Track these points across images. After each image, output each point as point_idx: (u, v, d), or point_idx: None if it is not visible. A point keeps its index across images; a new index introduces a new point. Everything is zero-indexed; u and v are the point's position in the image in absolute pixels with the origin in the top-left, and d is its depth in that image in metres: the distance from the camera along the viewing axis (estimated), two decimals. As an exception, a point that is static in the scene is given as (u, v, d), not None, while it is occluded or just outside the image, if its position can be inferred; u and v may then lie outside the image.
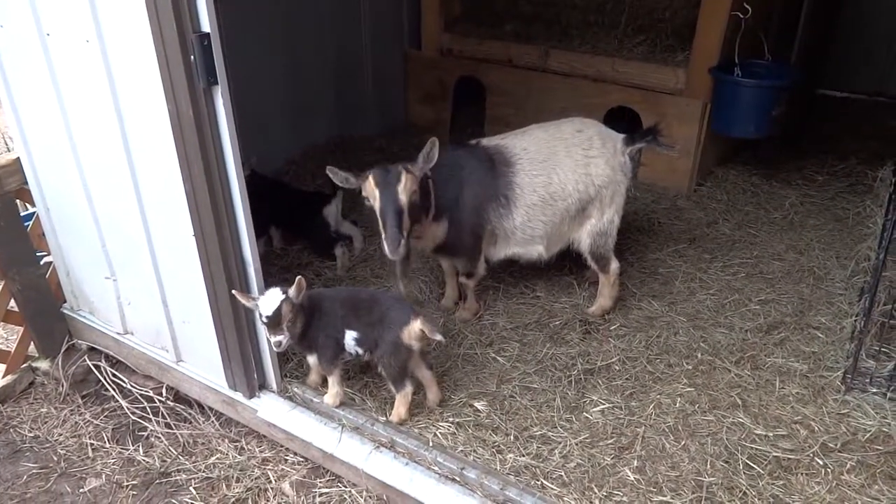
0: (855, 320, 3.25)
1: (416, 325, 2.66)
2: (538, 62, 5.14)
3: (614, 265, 3.48)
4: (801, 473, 2.61)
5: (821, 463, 2.65)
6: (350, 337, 2.74)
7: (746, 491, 2.54)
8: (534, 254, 3.41)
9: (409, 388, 2.78)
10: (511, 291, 3.73)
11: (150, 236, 2.79)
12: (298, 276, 2.59)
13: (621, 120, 4.87)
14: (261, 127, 4.62)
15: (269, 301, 2.54)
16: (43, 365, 3.36)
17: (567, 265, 3.92)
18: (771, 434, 2.78)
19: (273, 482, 2.78)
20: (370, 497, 2.68)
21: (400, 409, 2.80)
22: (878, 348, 3.10)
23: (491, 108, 5.42)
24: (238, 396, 2.95)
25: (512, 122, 5.15)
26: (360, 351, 2.76)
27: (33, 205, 3.20)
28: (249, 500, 2.71)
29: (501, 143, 3.31)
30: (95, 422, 3.13)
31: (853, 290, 3.62)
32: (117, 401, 3.21)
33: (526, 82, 5.19)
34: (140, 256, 2.85)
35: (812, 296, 3.66)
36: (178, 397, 3.20)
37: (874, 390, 2.95)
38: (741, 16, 4.17)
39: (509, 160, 3.23)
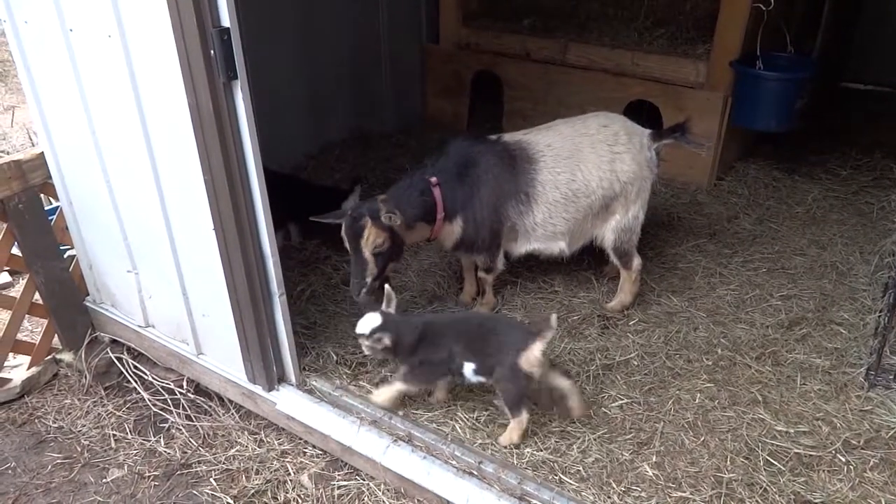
0: (878, 316, 3.21)
1: (536, 352, 2.56)
2: (556, 56, 5.11)
3: (637, 261, 3.45)
4: (823, 470, 2.58)
5: (843, 460, 2.62)
6: (469, 369, 2.67)
7: (767, 488, 2.51)
8: (555, 249, 3.38)
9: (525, 416, 2.65)
10: (529, 286, 3.72)
11: (171, 230, 2.82)
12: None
13: (640, 114, 4.84)
14: (279, 122, 4.64)
15: (365, 323, 2.69)
16: (66, 357, 3.41)
17: (586, 260, 3.90)
18: (792, 430, 2.75)
19: (292, 474, 2.81)
20: (388, 490, 2.69)
21: (513, 434, 2.68)
22: (902, 345, 3.06)
23: (509, 102, 5.41)
24: (257, 389, 2.98)
25: (530, 116, 5.14)
26: (483, 379, 2.69)
27: (57, 199, 3.24)
28: (269, 492, 2.74)
29: (524, 139, 3.26)
30: (118, 413, 3.17)
31: (877, 286, 3.57)
32: (139, 393, 3.25)
33: (544, 76, 5.16)
34: (161, 250, 2.88)
35: (834, 291, 3.62)
36: (199, 390, 3.23)
37: (898, 387, 2.91)
38: (763, 7, 4.11)
39: (532, 157, 3.18)
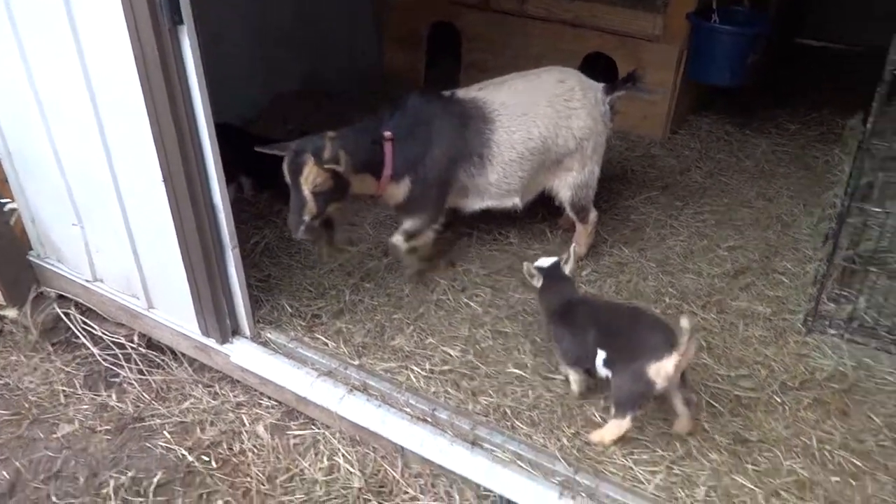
0: (818, 265, 3.33)
1: (670, 365, 2.32)
2: (515, 6, 5.05)
3: (593, 215, 3.49)
4: (761, 411, 2.71)
5: (779, 401, 2.74)
6: (600, 358, 2.52)
7: (708, 429, 2.62)
8: (509, 205, 3.34)
9: (627, 422, 2.45)
10: (485, 238, 3.75)
11: (118, 182, 2.74)
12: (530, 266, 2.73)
13: (595, 68, 4.84)
14: (227, 72, 4.48)
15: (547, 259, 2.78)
16: (10, 313, 3.32)
17: (540, 213, 3.94)
18: (733, 374, 2.87)
19: (247, 425, 2.82)
20: (343, 438, 2.73)
21: (606, 433, 2.51)
22: (838, 292, 3.18)
23: (467, 54, 5.34)
24: (211, 342, 2.96)
25: (488, 68, 5.08)
26: (608, 373, 2.51)
27: (-5, 150, 3.12)
28: (224, 444, 2.75)
29: (479, 97, 3.15)
30: (66, 369, 3.13)
31: (818, 237, 3.70)
32: (88, 348, 3.20)
33: (502, 27, 5.10)
34: (107, 203, 2.81)
35: (778, 242, 3.74)
36: (151, 344, 3.20)
37: (833, 332, 3.04)
38: (720, -40, 4.13)
39: (488, 116, 3.10)
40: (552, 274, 2.75)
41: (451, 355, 2.95)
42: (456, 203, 3.31)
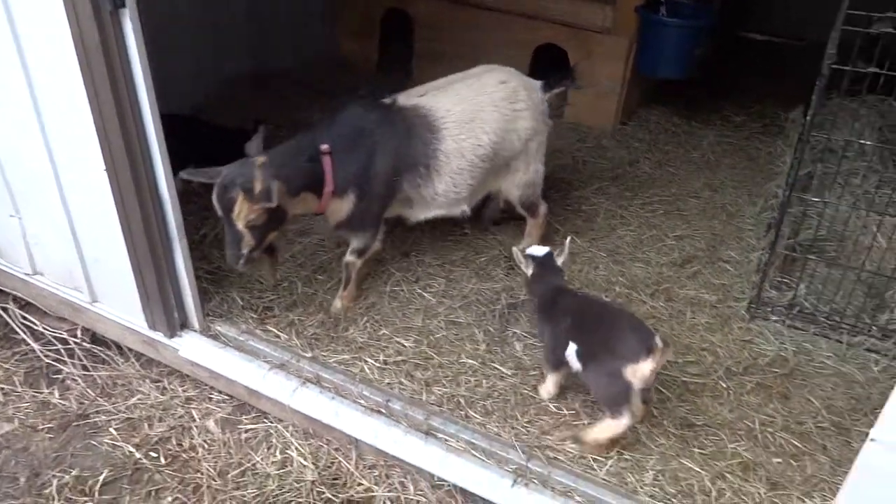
0: (761, 254, 3.44)
1: (647, 367, 2.32)
2: (468, -4, 5.04)
3: (543, 208, 3.50)
4: (707, 396, 2.79)
5: (724, 386, 2.83)
6: (572, 349, 2.49)
7: (656, 414, 2.69)
8: (456, 213, 3.23)
9: (625, 420, 2.40)
10: (439, 228, 3.74)
11: (57, 171, 2.64)
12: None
13: (548, 58, 4.88)
14: (173, 57, 4.35)
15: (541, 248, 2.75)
16: (-56, 308, 3.19)
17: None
18: (680, 360, 2.94)
19: (197, 420, 2.77)
20: (296, 431, 2.70)
21: (598, 432, 2.46)
22: (780, 279, 3.30)
23: (419, 42, 5.31)
24: (158, 336, 2.89)
25: (441, 58, 5.07)
26: (580, 367, 2.49)
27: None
28: (173, 439, 2.70)
29: (422, 104, 2.99)
30: (5, 366, 3.01)
31: (761, 226, 3.81)
32: (28, 344, 3.09)
33: (455, 17, 5.08)
34: (47, 192, 2.70)
35: (724, 231, 3.84)
36: (95, 339, 3.11)
37: (775, 318, 3.15)
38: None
39: (433, 125, 2.94)
40: (545, 264, 2.72)
41: (404, 346, 2.94)
42: (400, 213, 3.18)
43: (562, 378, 2.70)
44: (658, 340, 2.33)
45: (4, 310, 3.17)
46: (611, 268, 3.51)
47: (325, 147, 2.76)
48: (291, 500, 2.46)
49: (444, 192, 3.05)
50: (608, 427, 2.44)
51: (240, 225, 2.60)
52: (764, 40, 6.86)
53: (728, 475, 2.47)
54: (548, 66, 4.98)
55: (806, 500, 2.39)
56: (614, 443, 2.50)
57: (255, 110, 4.65)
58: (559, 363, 2.61)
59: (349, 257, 3.08)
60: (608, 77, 4.68)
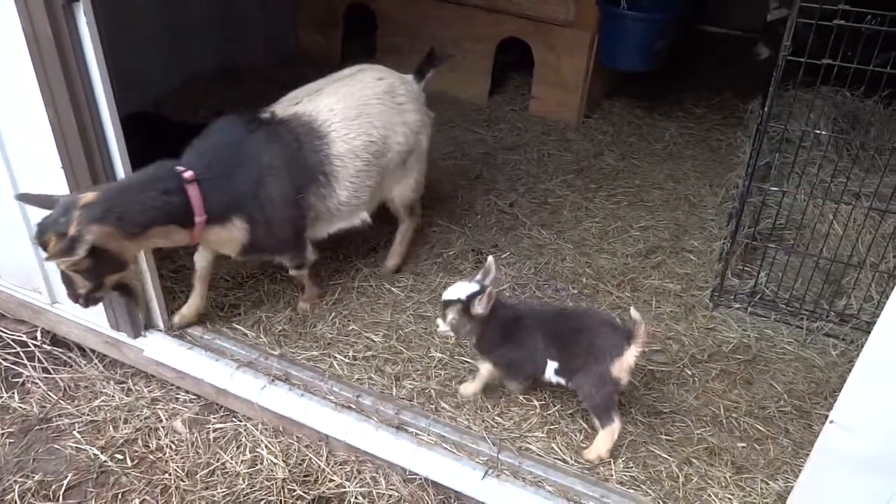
0: (722, 243, 3.50)
1: (631, 357, 2.36)
2: (430, -11, 5.02)
3: (418, 206, 3.40)
4: (673, 383, 2.84)
5: (689, 373, 2.88)
6: (551, 368, 2.47)
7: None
8: (358, 222, 3.02)
9: (617, 423, 2.43)
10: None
11: (12, 170, 2.58)
12: (489, 290, 2.39)
13: (513, 52, 4.90)
14: (134, 53, 4.27)
15: (459, 289, 2.45)
16: None
17: (459, 197, 3.97)
18: (647, 350, 2.98)
19: (164, 421, 2.73)
20: (266, 429, 2.68)
21: (601, 445, 2.46)
22: (741, 268, 3.37)
23: (382, 37, 5.28)
24: (122, 336, 2.84)
25: (404, 51, 5.05)
26: (562, 381, 2.49)
27: None
28: (139, 441, 2.65)
29: (302, 111, 2.76)
30: (-37, 370, 2.93)
31: (723, 216, 3.89)
32: (-14, 347, 3.01)
33: (417, 10, 5.05)
34: (1, 192, 2.63)
35: (687, 221, 3.91)
36: (56, 340, 3.03)
37: (737, 306, 3.22)
38: (627, -53, 4.23)
39: (319, 130, 2.73)
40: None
41: (374, 341, 2.94)
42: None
43: (525, 386, 2.69)
44: (633, 317, 2.36)
45: (-41, 313, 3.08)
46: (577, 259, 3.54)
47: (188, 175, 2.44)
48: (262, 499, 2.44)
49: (346, 199, 2.85)
50: (607, 437, 2.46)
51: (62, 267, 2.31)
52: (721, 33, 6.97)
53: (695, 460, 2.52)
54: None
55: (770, 482, 2.46)
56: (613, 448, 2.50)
57: (220, 105, 4.59)
58: (527, 381, 2.63)
59: (292, 272, 2.98)
60: (571, 70, 4.71)
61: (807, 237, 3.39)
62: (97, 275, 2.36)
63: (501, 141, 4.64)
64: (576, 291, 3.31)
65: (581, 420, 2.64)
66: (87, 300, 2.42)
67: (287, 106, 2.81)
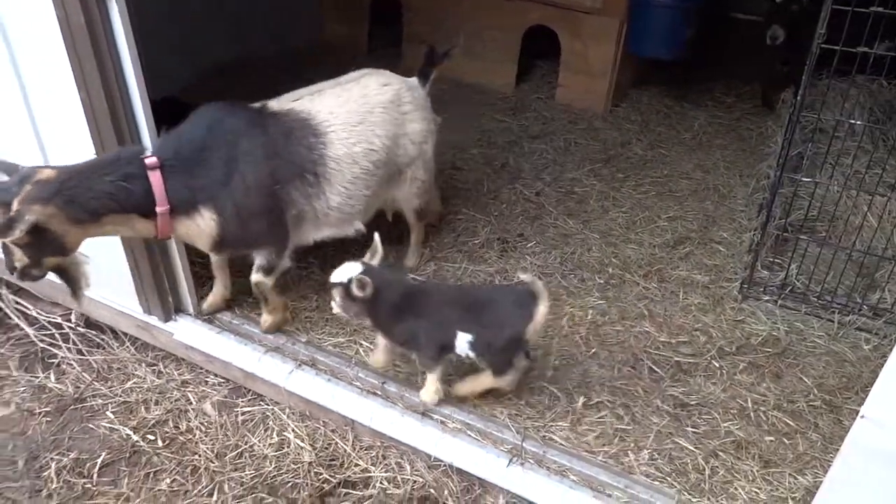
0: (753, 234, 3.46)
1: (540, 318, 2.38)
2: (457, -23, 5.00)
3: (436, 205, 3.39)
4: (700, 375, 2.82)
5: (717, 365, 2.86)
6: (464, 340, 2.42)
7: (649, 392, 2.72)
8: (350, 232, 2.89)
9: (510, 376, 2.50)
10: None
11: (47, 156, 2.63)
12: (361, 277, 2.29)
13: (540, 40, 4.87)
14: (158, 43, 4.30)
15: (343, 271, 2.37)
16: (-64, 294, 3.17)
17: (485, 185, 3.97)
18: (674, 341, 2.97)
19: (194, 403, 2.77)
20: (293, 414, 2.71)
21: (477, 387, 2.54)
22: (772, 260, 3.32)
23: (408, 25, 5.27)
24: (153, 320, 2.89)
25: (429, 40, 5.03)
26: (473, 354, 2.46)
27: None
28: (170, 422, 2.70)
29: (299, 108, 2.67)
30: (0, 350, 3.00)
31: (753, 207, 3.83)
32: (22, 329, 3.08)
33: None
34: (37, 177, 2.68)
35: (716, 212, 3.86)
36: (89, 323, 3.10)
37: (767, 298, 3.18)
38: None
39: (316, 129, 2.64)
40: (373, 275, 2.35)
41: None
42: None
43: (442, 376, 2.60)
44: (524, 278, 2.40)
45: (-3, 295, 3.16)
46: (603, 249, 3.52)
47: (151, 161, 2.31)
48: (289, 481, 2.47)
49: (338, 205, 2.73)
50: (488, 383, 2.52)
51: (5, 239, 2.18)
52: (752, 20, 6.84)
53: (721, 453, 2.51)
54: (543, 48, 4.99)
55: (798, 476, 2.43)
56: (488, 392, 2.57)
57: (240, 96, 4.61)
58: (441, 357, 2.52)
59: (255, 275, 2.76)
60: (599, 59, 4.66)
61: (840, 229, 3.34)
62: (35, 253, 2.25)
63: (528, 129, 4.62)
64: (602, 281, 3.30)
65: (607, 411, 2.64)
66: (23, 275, 2.32)
67: (283, 102, 2.72)
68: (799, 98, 2.84)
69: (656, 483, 2.39)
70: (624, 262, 3.43)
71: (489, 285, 2.66)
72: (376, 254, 2.44)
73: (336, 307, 2.42)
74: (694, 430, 2.59)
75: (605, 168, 4.24)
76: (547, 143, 4.45)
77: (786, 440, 2.57)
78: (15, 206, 2.10)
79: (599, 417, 2.62)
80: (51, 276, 2.93)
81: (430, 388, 2.58)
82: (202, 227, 2.47)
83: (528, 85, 5.14)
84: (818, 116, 3.16)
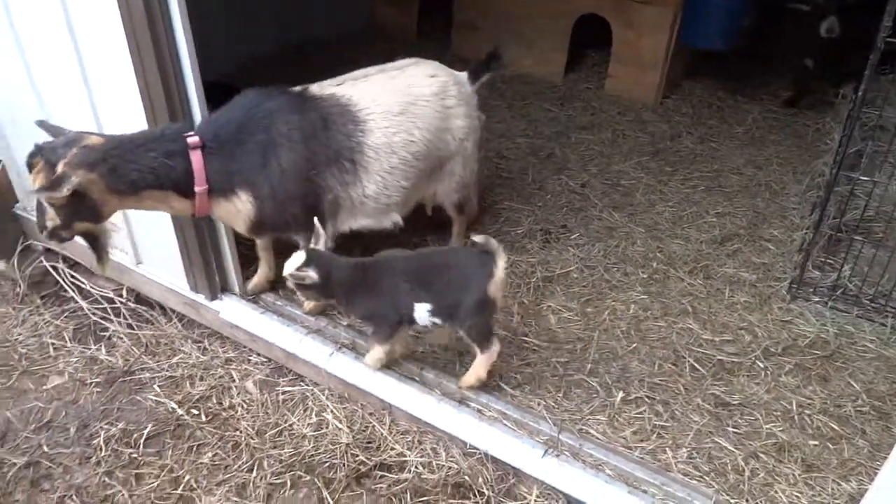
0: (805, 233, 3.36)
1: (501, 273, 2.36)
2: (509, -36, 4.96)
3: (474, 203, 3.34)
4: (743, 375, 2.76)
5: (761, 366, 2.80)
6: (423, 310, 2.42)
7: (690, 391, 2.68)
8: (387, 224, 2.87)
9: (496, 347, 2.50)
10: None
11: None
12: (295, 272, 2.32)
13: (591, 28, 4.79)
14: (208, 27, 4.35)
15: (291, 262, 2.37)
16: (-2, 265, 3.31)
17: (530, 175, 3.94)
18: (717, 339, 2.92)
19: (237, 381, 2.84)
20: (332, 395, 2.76)
21: (480, 370, 2.54)
22: (823, 260, 3.23)
23: (458, 11, 5.25)
24: (200, 298, 2.96)
25: (479, 27, 5.03)
26: (438, 321, 2.46)
27: (-22, 99, 3.05)
28: (213, 398, 2.77)
29: (340, 93, 2.65)
30: (56, 322, 3.12)
31: (806, 205, 3.72)
32: (77, 302, 3.19)
33: (496, -15, 5.01)
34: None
35: (767, 209, 3.76)
36: (139, 299, 3.20)
37: (817, 299, 3.09)
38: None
39: (356, 116, 2.61)
40: (318, 258, 2.37)
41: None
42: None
43: (394, 346, 2.64)
44: (478, 239, 2.38)
45: (55, 269, 3.28)
46: (648, 244, 3.47)
47: (193, 140, 2.33)
48: (326, 462, 2.52)
49: (374, 194, 2.72)
50: (486, 360, 2.52)
51: (33, 191, 2.22)
52: (809, 11, 6.60)
53: (762, 455, 2.46)
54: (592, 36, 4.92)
55: (842, 483, 2.37)
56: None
57: (289, 79, 4.66)
58: (395, 331, 2.55)
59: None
60: (651, 49, 4.57)
61: (897, 231, 3.23)
62: (69, 217, 2.26)
63: (575, 120, 4.57)
64: (645, 276, 3.25)
65: (646, 407, 2.61)
66: (52, 234, 2.33)
67: (325, 86, 2.70)
68: (860, 94, 2.74)
69: (694, 482, 2.36)
70: (669, 258, 3.38)
71: (442, 249, 2.62)
72: (320, 238, 2.42)
73: (297, 292, 2.49)
74: (735, 430, 2.54)
75: (653, 161, 4.17)
76: (594, 134, 4.40)
77: (830, 445, 2.51)
78: (60, 167, 2.13)
79: (638, 413, 2.59)
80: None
81: (375, 354, 2.63)
82: (240, 208, 2.49)
83: (578, 74, 5.08)
84: (879, 113, 3.04)
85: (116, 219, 2.53)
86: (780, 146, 4.37)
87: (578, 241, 3.48)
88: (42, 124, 2.31)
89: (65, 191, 2.12)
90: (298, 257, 2.36)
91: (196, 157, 2.33)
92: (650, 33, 4.54)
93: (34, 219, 3.25)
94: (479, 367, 2.55)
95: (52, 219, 2.27)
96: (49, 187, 2.12)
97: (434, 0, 5.43)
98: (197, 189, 2.36)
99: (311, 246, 2.42)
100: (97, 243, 2.46)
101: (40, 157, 2.17)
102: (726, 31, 4.43)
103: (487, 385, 2.63)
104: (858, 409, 2.64)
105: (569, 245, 3.44)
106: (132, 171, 2.24)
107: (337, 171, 2.62)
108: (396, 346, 2.68)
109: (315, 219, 2.46)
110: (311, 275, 2.33)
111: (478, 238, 2.38)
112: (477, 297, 2.38)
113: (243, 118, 2.46)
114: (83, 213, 2.26)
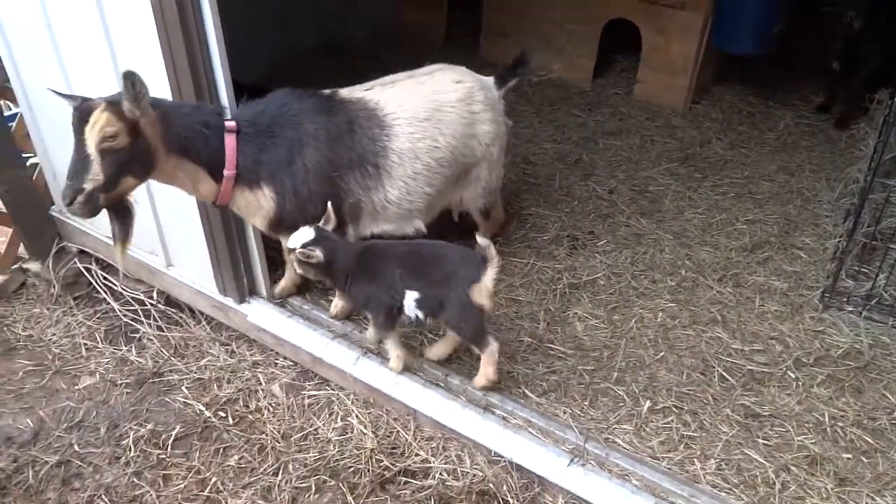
0: (838, 241, 3.30)
1: (488, 282, 2.36)
2: (538, -31, 4.94)
3: (499, 210, 3.33)
4: (773, 386, 2.71)
5: (793, 376, 2.75)
6: (411, 298, 2.44)
7: (719, 401, 2.64)
8: (409, 230, 2.86)
9: (494, 346, 2.51)
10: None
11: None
12: (303, 250, 2.36)
13: (619, 33, 4.76)
14: (241, 31, 4.41)
15: (297, 236, 2.41)
16: (34, 266, 3.37)
17: (557, 181, 3.92)
18: (747, 348, 2.87)
19: (263, 384, 2.87)
20: (357, 400, 2.77)
21: (487, 370, 2.56)
22: (857, 269, 3.16)
23: (488, 15, 5.25)
24: (228, 301, 3.00)
25: (508, 31, 5.02)
26: (422, 314, 2.48)
27: (17, 104, 3.12)
28: (240, 401, 2.80)
29: (368, 98, 2.68)
30: (88, 323, 3.18)
31: (839, 212, 3.65)
32: (109, 303, 3.25)
33: (525, -10, 5.00)
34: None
35: (798, 217, 3.70)
36: (169, 301, 3.24)
37: (850, 309, 3.03)
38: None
39: (382, 121, 2.64)
40: (325, 240, 2.40)
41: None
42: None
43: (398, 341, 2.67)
44: (480, 242, 2.35)
45: (88, 270, 3.35)
46: (677, 251, 3.43)
47: (230, 124, 2.39)
48: (351, 466, 2.53)
49: (396, 199, 2.72)
50: (489, 360, 2.53)
51: (91, 145, 2.13)
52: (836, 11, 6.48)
53: (793, 468, 2.41)
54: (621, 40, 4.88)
55: (876, 497, 2.32)
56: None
57: (320, 82, 4.70)
58: (395, 319, 2.55)
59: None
60: (681, 54, 4.53)
61: (935, 240, 3.14)
62: (118, 166, 2.18)
63: (603, 125, 4.54)
64: (673, 284, 3.21)
65: (674, 417, 2.58)
66: (87, 199, 2.18)
67: (354, 90, 2.73)
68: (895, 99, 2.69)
69: (722, 494, 2.32)
70: (698, 265, 3.33)
71: (442, 243, 2.60)
72: (330, 220, 2.45)
73: (298, 268, 2.49)
74: (765, 441, 2.50)
75: (682, 167, 4.12)
76: (622, 140, 4.36)
77: (864, 458, 2.45)
78: (126, 105, 2.13)
79: (665, 423, 2.56)
80: (134, 252, 3.08)
81: (392, 354, 2.66)
82: (261, 202, 2.52)
83: (606, 80, 5.04)
84: (917, 119, 2.97)
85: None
86: (813, 152, 4.29)
87: (605, 247, 3.45)
88: (57, 93, 2.30)
89: (148, 111, 2.15)
90: (307, 233, 2.39)
91: (230, 140, 2.38)
92: (680, 38, 4.49)
93: (69, 221, 3.33)
94: (485, 366, 2.57)
95: (95, 175, 2.16)
96: (132, 97, 2.10)
97: (463, 4, 5.44)
98: (226, 172, 2.40)
99: (320, 225, 2.45)
100: (125, 221, 2.39)
101: (100, 101, 2.14)
102: (758, 35, 4.37)
103: (511, 392, 2.63)
104: (893, 422, 2.58)
105: (596, 252, 3.41)
106: (179, 127, 2.30)
107: (360, 174, 2.65)
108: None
109: (329, 203, 2.49)
110: (318, 254, 2.37)
111: (480, 241, 2.38)
112: (460, 298, 2.40)
113: (276, 113, 2.52)
114: (134, 162, 2.22)
